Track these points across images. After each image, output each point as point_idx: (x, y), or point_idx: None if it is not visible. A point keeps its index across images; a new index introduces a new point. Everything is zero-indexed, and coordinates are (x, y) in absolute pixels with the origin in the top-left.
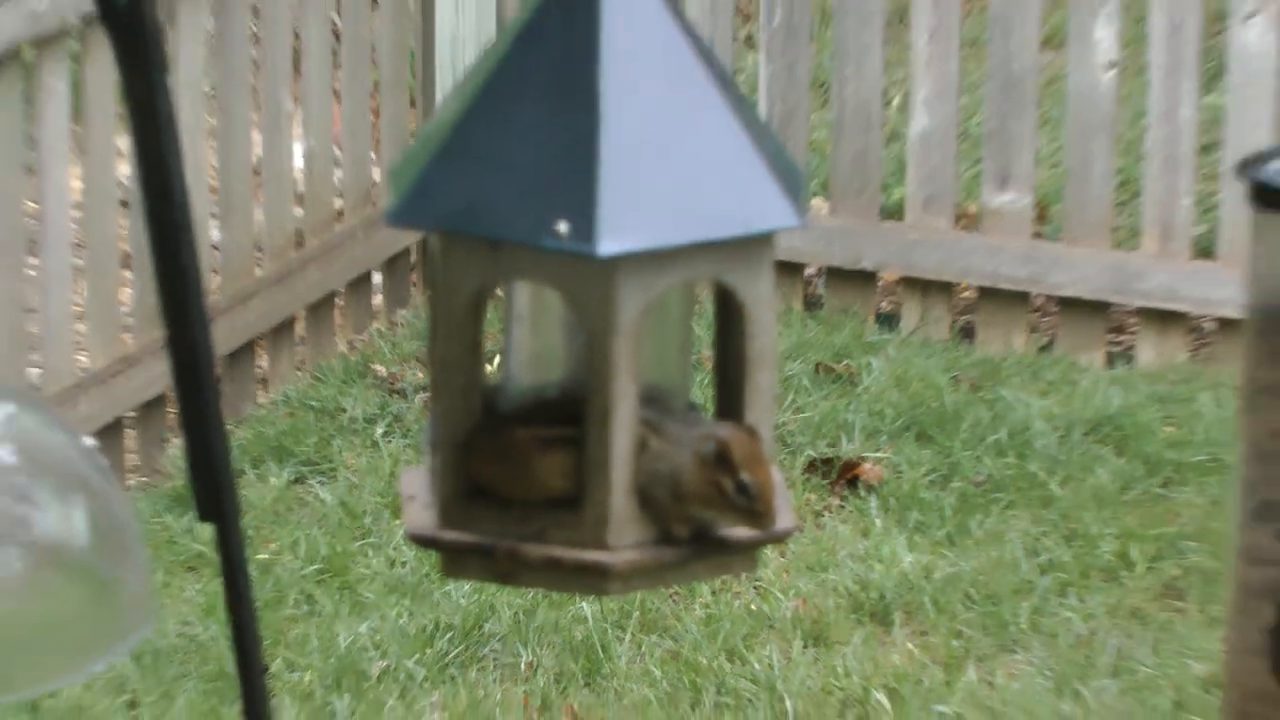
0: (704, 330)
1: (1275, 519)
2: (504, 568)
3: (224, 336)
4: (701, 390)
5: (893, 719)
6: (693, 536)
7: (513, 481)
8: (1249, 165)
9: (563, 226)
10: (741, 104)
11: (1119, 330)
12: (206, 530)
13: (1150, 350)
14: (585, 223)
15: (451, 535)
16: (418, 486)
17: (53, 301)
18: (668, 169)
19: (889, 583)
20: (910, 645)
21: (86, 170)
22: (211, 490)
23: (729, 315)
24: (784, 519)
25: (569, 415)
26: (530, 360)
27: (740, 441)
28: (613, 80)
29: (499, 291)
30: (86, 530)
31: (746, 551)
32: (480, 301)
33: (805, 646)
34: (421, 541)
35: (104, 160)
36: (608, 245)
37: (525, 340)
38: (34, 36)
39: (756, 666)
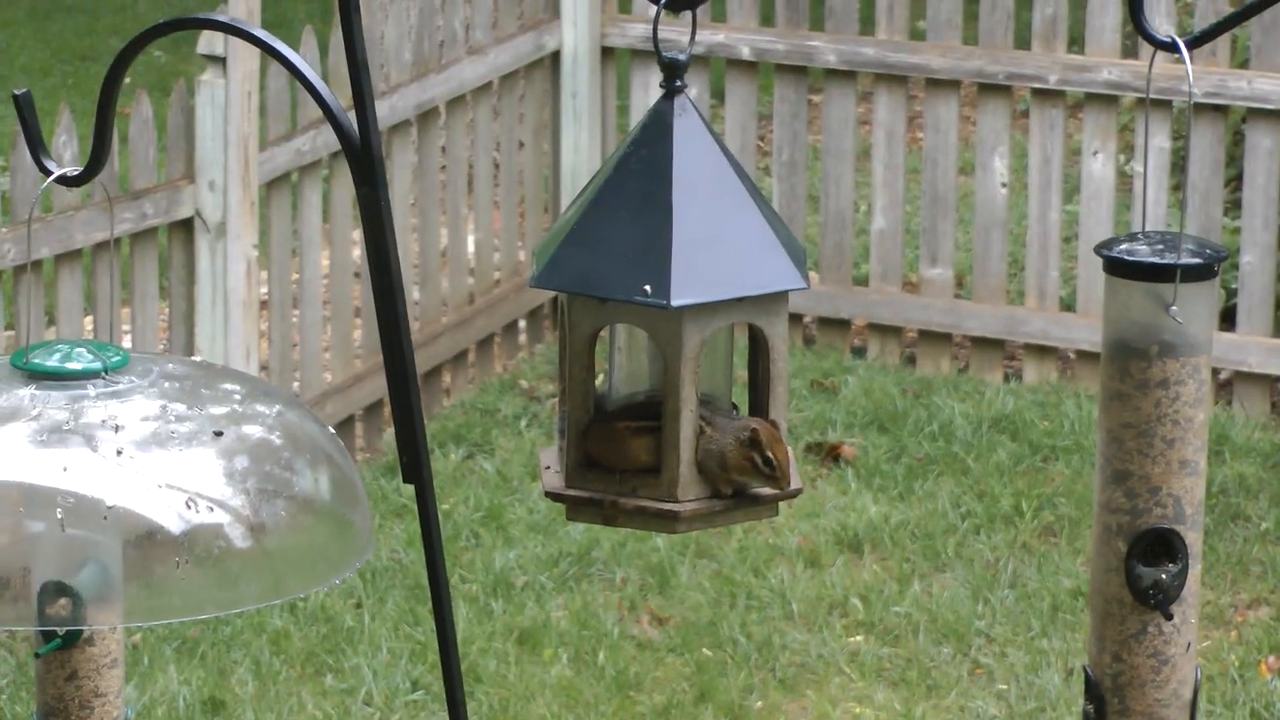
0: (740, 357)
1: (1124, 482)
2: (608, 514)
3: (421, 362)
4: (739, 396)
5: (864, 615)
6: (734, 494)
7: (614, 456)
8: (1103, 247)
9: (648, 288)
10: (765, 207)
11: (1011, 358)
12: (409, 489)
13: (1032, 372)
14: (662, 286)
15: (573, 492)
16: (551, 459)
17: (308, 339)
18: (716, 250)
19: (860, 525)
20: (875, 567)
21: (332, 253)
22: (412, 462)
23: (757, 346)
24: (795, 482)
25: (652, 412)
26: (626, 376)
27: (766, 430)
28: (679, 193)
29: (605, 332)
30: (329, 488)
31: (770, 504)
32: (593, 338)
33: (805, 568)
34: (553, 496)
35: (343, 246)
36: (677, 300)
37: (623, 363)
38: (298, 166)
39: (772, 581)
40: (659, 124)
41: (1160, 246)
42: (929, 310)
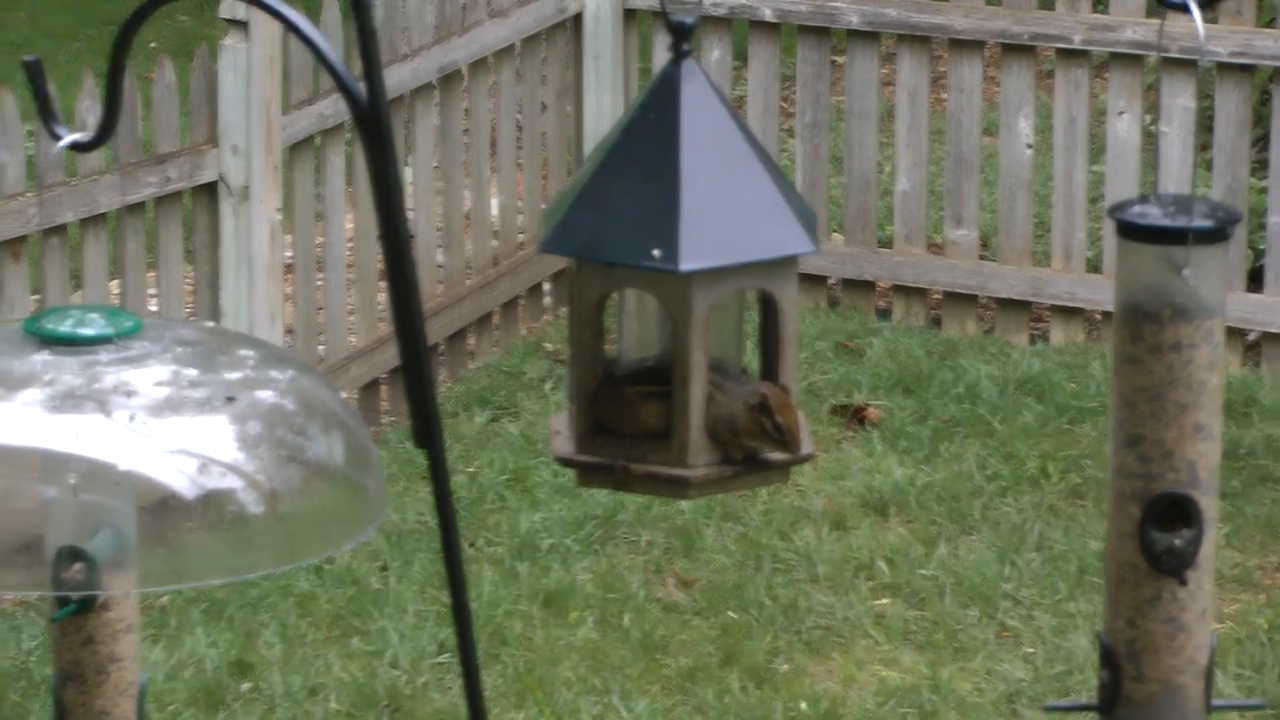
0: (750, 321)
1: (1137, 446)
2: (618, 479)
3: (445, 325)
4: (749, 360)
5: (890, 579)
6: (744, 459)
7: (624, 421)
8: (1115, 210)
9: (657, 252)
10: (775, 170)
11: (1037, 320)
12: None
13: (1059, 333)
14: (671, 250)
15: (583, 457)
16: (561, 424)
17: (333, 302)
18: (725, 215)
19: (886, 488)
20: (901, 529)
21: (356, 216)
22: (424, 427)
23: (768, 311)
24: (806, 447)
25: (662, 377)
26: (635, 341)
27: (776, 395)
28: (687, 157)
29: (615, 296)
30: (342, 453)
31: (780, 469)
32: (602, 303)
33: (830, 530)
34: (564, 461)
35: (367, 209)
36: (686, 265)
37: (632, 328)
38: (321, 129)
39: (798, 543)
40: (667, 88)
41: (1173, 209)
42: (954, 272)
